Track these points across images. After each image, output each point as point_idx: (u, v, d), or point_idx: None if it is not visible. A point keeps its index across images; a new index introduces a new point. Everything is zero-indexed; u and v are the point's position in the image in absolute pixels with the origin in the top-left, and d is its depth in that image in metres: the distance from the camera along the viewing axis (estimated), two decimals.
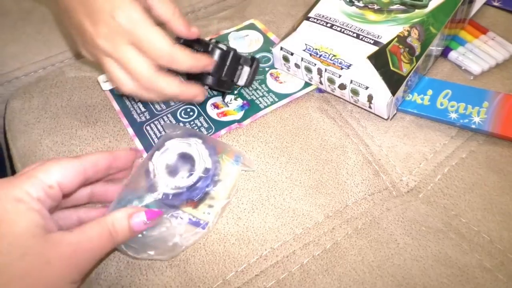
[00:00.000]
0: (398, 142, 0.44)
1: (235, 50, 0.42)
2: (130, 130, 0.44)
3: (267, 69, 0.48)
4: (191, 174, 0.36)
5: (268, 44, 0.51)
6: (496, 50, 0.48)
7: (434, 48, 0.43)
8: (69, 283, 0.28)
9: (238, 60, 0.43)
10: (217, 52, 0.41)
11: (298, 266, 0.36)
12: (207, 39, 0.46)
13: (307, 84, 0.46)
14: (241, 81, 0.44)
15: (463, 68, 0.47)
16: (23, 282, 0.26)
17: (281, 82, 0.46)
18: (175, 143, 0.38)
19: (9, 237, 0.26)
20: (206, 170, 0.37)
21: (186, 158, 0.38)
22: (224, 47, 0.42)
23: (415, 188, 0.42)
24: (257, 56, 0.50)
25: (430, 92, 0.45)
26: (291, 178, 0.41)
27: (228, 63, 0.42)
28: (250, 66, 0.44)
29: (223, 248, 0.37)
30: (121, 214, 0.31)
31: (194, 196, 0.36)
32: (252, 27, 0.53)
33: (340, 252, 0.36)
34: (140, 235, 0.34)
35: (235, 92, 0.46)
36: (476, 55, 0.47)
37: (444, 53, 0.48)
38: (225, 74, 0.42)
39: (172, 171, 0.37)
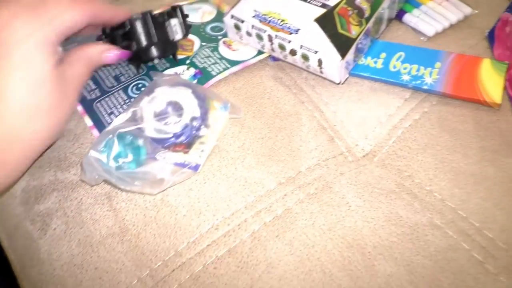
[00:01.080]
0: (353, 107, 0.43)
1: (149, 11, 0.41)
2: (80, 108, 0.43)
3: (219, 37, 0.47)
4: (178, 121, 0.37)
5: (221, 16, 0.50)
6: (450, 11, 0.47)
7: (386, 10, 0.43)
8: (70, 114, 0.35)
9: (158, 18, 0.42)
10: (137, 23, 0.40)
11: (249, 233, 0.35)
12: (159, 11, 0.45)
13: (260, 52, 0.45)
14: (178, 35, 0.43)
15: (417, 30, 0.47)
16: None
17: (233, 50, 0.45)
18: (164, 90, 0.39)
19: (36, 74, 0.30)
20: (193, 118, 0.38)
21: (174, 105, 0.38)
22: (138, 15, 0.41)
23: (370, 152, 0.41)
24: (211, 25, 0.49)
25: (383, 55, 0.44)
26: (243, 147, 0.40)
27: (150, 25, 0.41)
28: (176, 16, 0.43)
29: (175, 220, 0.36)
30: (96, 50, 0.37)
31: (182, 141, 0.37)
32: (205, 1, 0.52)
33: (291, 218, 0.36)
34: (129, 170, 0.35)
35: (187, 62, 0.45)
36: (430, 16, 0.47)
37: (399, 15, 0.48)
38: (156, 37, 0.41)
39: (160, 118, 0.38)
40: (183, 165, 0.37)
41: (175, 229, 0.36)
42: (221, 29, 0.48)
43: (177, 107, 0.38)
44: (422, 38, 0.46)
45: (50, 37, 0.30)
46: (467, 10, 0.48)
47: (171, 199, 0.37)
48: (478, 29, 0.48)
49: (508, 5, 0.45)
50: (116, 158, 0.35)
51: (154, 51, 0.41)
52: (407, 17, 0.47)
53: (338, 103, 0.44)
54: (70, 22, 0.31)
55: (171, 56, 0.45)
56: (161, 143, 0.37)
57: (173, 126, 0.37)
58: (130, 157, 0.35)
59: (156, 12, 0.42)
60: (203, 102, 0.39)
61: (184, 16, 0.43)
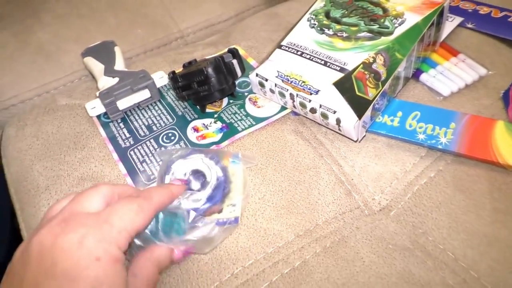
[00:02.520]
0: (370, 162, 0.45)
1: (220, 57, 0.46)
2: (115, 155, 0.47)
3: (246, 94, 0.51)
4: (206, 185, 0.40)
5: (248, 70, 0.53)
6: (465, 72, 0.49)
7: (402, 71, 0.45)
8: None
9: (224, 61, 0.47)
10: (211, 70, 0.45)
11: (267, 283, 0.37)
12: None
13: (283, 108, 0.48)
14: (239, 73, 0.49)
15: (433, 89, 0.49)
16: None
17: (259, 107, 0.48)
18: (180, 164, 0.41)
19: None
20: (218, 178, 0.40)
21: (196, 173, 0.41)
22: (212, 61, 0.46)
23: (386, 206, 0.43)
24: (238, 81, 0.52)
25: (400, 113, 0.46)
26: (264, 199, 0.43)
27: (222, 70, 0.46)
28: (234, 57, 0.48)
29: (197, 267, 0.39)
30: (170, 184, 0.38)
31: (216, 202, 0.40)
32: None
33: (308, 270, 0.38)
34: (179, 236, 0.37)
35: (215, 116, 0.48)
36: (446, 77, 0.49)
37: (416, 75, 0.50)
38: (229, 79, 0.46)
39: (189, 188, 0.40)
40: (223, 223, 0.39)
41: (196, 276, 0.38)
42: (248, 85, 0.51)
43: (199, 174, 0.41)
44: (438, 97, 0.49)
45: (119, 252, 0.29)
46: (482, 71, 0.50)
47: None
48: (493, 89, 0.49)
49: None
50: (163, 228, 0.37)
51: (220, 93, 0.46)
52: (423, 77, 0.50)
53: (356, 158, 0.46)
54: (137, 231, 0.31)
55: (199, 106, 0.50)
56: (198, 211, 0.39)
57: (203, 192, 0.40)
58: (175, 227, 0.37)
59: (218, 54, 0.47)
60: (219, 162, 0.41)
61: (239, 54, 0.48)
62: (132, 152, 0.47)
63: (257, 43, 0.59)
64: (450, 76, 0.49)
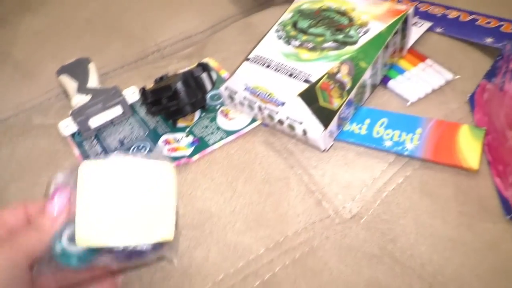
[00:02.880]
0: (340, 171, 0.46)
1: (187, 72, 0.47)
2: None
3: (218, 106, 0.51)
4: None
5: (220, 82, 0.54)
6: (432, 77, 0.50)
7: (368, 79, 0.46)
8: None
9: (194, 75, 0.48)
10: (180, 85, 0.46)
11: None
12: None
13: (254, 120, 0.49)
14: (208, 87, 0.50)
15: (401, 96, 0.50)
16: None
17: (230, 119, 0.49)
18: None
19: None
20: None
21: None
22: (180, 77, 0.47)
23: (357, 214, 0.44)
24: (210, 94, 0.53)
25: (367, 121, 0.47)
26: (234, 212, 0.43)
27: (191, 84, 0.47)
28: (205, 71, 0.49)
29: (167, 284, 0.39)
30: (39, 218, 0.33)
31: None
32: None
33: (276, 283, 0.38)
34: None
35: (187, 130, 0.49)
36: (414, 82, 0.50)
37: (384, 81, 0.51)
38: (199, 94, 0.47)
39: None
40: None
41: None
42: (220, 98, 0.52)
43: None
44: (405, 103, 0.49)
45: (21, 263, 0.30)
46: (449, 76, 0.50)
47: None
48: (460, 93, 0.50)
49: (486, 72, 0.47)
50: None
51: (191, 107, 0.47)
52: (391, 83, 0.50)
53: (326, 166, 0.46)
54: (40, 247, 0.32)
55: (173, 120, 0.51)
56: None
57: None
58: None
59: (185, 70, 0.47)
60: None
61: (209, 68, 0.49)
62: None
63: (230, 54, 0.59)
64: (417, 81, 0.50)
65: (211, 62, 0.57)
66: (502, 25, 0.57)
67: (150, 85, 0.56)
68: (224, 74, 0.55)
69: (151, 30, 0.69)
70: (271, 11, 0.67)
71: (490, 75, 0.45)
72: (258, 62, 0.46)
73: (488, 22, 0.58)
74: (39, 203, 0.35)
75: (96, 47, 0.66)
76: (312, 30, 0.48)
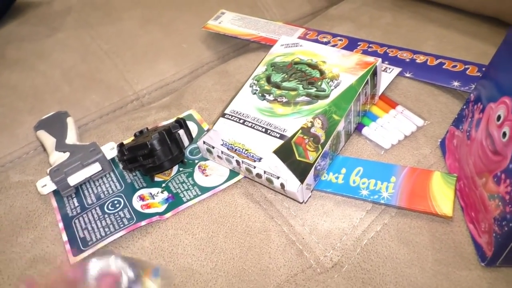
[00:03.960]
0: (319, 220, 0.47)
1: (164, 129, 0.48)
2: (61, 225, 0.47)
3: (196, 161, 0.52)
4: None
5: (201, 135, 0.55)
6: (404, 124, 0.52)
7: (342, 130, 0.47)
8: None
9: (171, 132, 0.49)
10: (156, 143, 0.47)
11: None
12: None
13: (231, 176, 0.49)
14: (186, 143, 0.51)
15: (375, 142, 0.51)
16: None
17: (207, 175, 0.50)
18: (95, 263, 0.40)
19: None
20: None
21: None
22: (156, 135, 0.47)
23: (338, 262, 0.44)
24: (189, 148, 0.54)
25: (344, 170, 0.48)
26: (215, 268, 0.43)
27: (167, 142, 0.48)
28: (181, 127, 0.50)
29: None
30: None
31: None
32: (189, 118, 0.57)
33: None
34: None
35: (163, 185, 0.49)
36: (386, 129, 0.52)
37: (358, 128, 0.53)
38: (175, 150, 0.48)
39: None
40: None
41: None
42: (199, 152, 0.53)
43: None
44: (379, 150, 0.51)
45: None
46: (420, 122, 0.52)
47: None
48: (431, 138, 0.52)
49: (454, 118, 0.49)
50: None
51: (168, 163, 0.48)
52: (365, 131, 0.52)
53: (305, 216, 0.47)
54: None
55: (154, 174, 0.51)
56: None
57: None
58: None
59: (165, 123, 0.48)
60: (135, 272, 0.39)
61: (186, 124, 0.51)
62: (76, 221, 0.47)
63: (208, 104, 0.61)
64: (389, 128, 0.52)
65: (195, 114, 0.58)
66: (467, 69, 0.60)
67: (129, 137, 0.56)
68: (206, 127, 0.56)
69: (129, 79, 0.70)
70: (245, 58, 0.69)
71: (458, 122, 0.47)
72: (233, 118, 0.47)
73: (454, 66, 0.60)
74: None
75: (74, 99, 0.67)
76: (285, 84, 0.49)
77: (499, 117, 0.39)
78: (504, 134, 0.37)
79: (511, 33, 0.39)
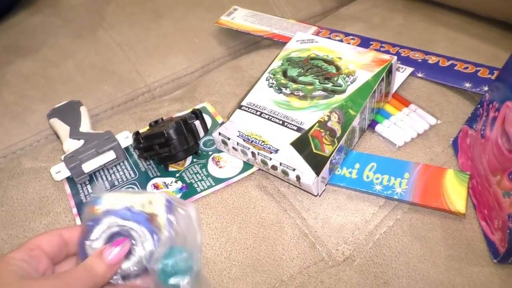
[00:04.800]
0: (332, 214, 0.47)
1: (180, 119, 0.48)
2: (75, 210, 0.47)
3: (210, 153, 0.52)
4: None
5: (215, 128, 0.55)
6: (417, 122, 0.52)
7: (357, 126, 0.48)
8: None
9: (187, 122, 0.49)
10: (172, 132, 0.47)
11: None
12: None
13: (245, 168, 0.50)
14: (201, 134, 0.51)
15: (388, 140, 0.52)
16: None
17: (220, 167, 0.50)
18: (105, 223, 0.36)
19: None
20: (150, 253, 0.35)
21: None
22: (173, 124, 0.47)
23: (350, 256, 0.45)
24: (203, 140, 0.54)
25: (357, 165, 0.49)
26: (229, 258, 0.43)
27: (183, 132, 0.48)
28: (197, 118, 0.50)
29: None
30: (93, 259, 0.34)
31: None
32: (204, 110, 0.58)
33: None
34: None
35: (177, 175, 0.50)
36: (399, 127, 0.52)
37: (372, 125, 0.53)
38: (191, 140, 0.48)
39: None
40: None
41: None
42: (213, 144, 0.53)
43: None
44: (392, 147, 0.51)
45: None
46: (432, 120, 0.53)
47: None
48: (443, 137, 0.53)
49: (467, 117, 0.50)
50: None
51: (183, 153, 0.48)
52: (378, 128, 0.53)
53: (318, 210, 0.48)
54: None
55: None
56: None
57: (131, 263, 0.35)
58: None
59: (180, 114, 0.48)
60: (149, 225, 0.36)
61: (202, 115, 0.50)
62: None
63: (221, 97, 0.61)
64: (402, 126, 0.52)
65: (209, 107, 0.58)
66: (479, 70, 0.60)
67: (142, 127, 0.57)
68: (220, 120, 0.56)
69: (141, 72, 0.70)
70: (258, 55, 0.69)
71: (471, 121, 0.48)
72: (250, 110, 0.48)
73: (466, 68, 0.61)
74: (75, 229, 0.36)
75: (86, 89, 0.67)
76: (301, 78, 0.50)
77: None
78: None
79: None
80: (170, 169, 0.51)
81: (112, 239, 0.35)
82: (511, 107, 0.40)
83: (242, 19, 0.74)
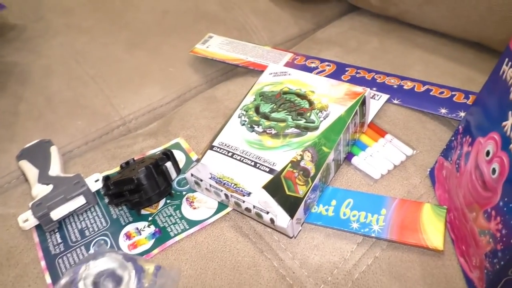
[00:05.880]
0: (310, 253, 0.46)
1: (151, 163, 0.47)
2: (43, 263, 0.45)
3: (184, 193, 0.51)
4: None
5: (189, 165, 0.54)
6: (393, 153, 0.52)
7: (332, 162, 0.47)
8: None
9: (158, 165, 0.47)
10: (143, 177, 0.45)
11: None
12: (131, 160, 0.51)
13: (220, 209, 0.48)
14: (173, 175, 0.49)
15: (364, 172, 0.51)
16: None
17: (195, 208, 0.49)
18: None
19: None
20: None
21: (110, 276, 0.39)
22: (143, 169, 0.46)
23: None
24: (178, 178, 0.53)
25: (334, 202, 0.48)
26: None
27: (154, 175, 0.46)
28: (169, 159, 0.49)
29: None
30: None
31: None
32: (177, 146, 0.56)
33: None
34: None
35: (150, 218, 0.48)
36: (376, 159, 0.51)
37: (348, 158, 0.52)
38: (162, 184, 0.47)
39: None
40: None
41: None
42: (187, 183, 0.52)
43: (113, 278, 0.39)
44: (369, 181, 0.50)
45: None
46: (409, 151, 0.52)
47: None
48: (421, 167, 0.52)
49: (443, 148, 0.49)
50: None
51: (155, 197, 0.46)
52: (355, 160, 0.52)
53: (295, 250, 0.46)
54: None
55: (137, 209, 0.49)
56: None
57: None
58: None
59: (153, 152, 0.47)
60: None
61: (173, 156, 0.49)
62: (60, 260, 0.46)
63: (196, 131, 0.60)
64: (379, 158, 0.51)
65: (182, 143, 0.57)
66: (454, 95, 0.60)
67: (115, 167, 0.55)
68: (194, 156, 0.55)
69: (115, 105, 0.69)
70: (233, 83, 0.68)
71: (447, 152, 0.47)
72: (222, 151, 0.46)
73: (441, 92, 0.61)
74: None
75: (58, 126, 0.65)
76: (274, 115, 0.49)
77: (488, 153, 0.39)
78: (494, 170, 0.37)
79: (498, 68, 0.39)
80: (143, 212, 0.49)
81: None
82: (483, 143, 0.40)
83: (217, 47, 0.73)
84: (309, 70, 0.66)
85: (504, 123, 0.37)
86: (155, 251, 0.45)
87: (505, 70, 0.38)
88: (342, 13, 0.88)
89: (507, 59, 0.38)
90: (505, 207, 0.35)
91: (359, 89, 0.50)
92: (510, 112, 0.37)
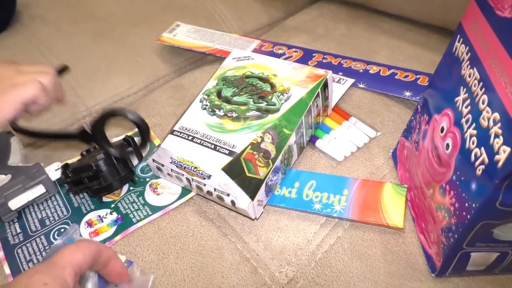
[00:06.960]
0: (273, 236, 0.46)
1: (108, 150, 0.45)
2: (1, 254, 0.44)
3: (147, 179, 0.50)
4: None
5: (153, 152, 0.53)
6: (357, 136, 0.52)
7: (293, 144, 0.47)
8: None
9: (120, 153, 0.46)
10: (102, 163, 0.45)
11: None
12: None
13: (183, 194, 0.48)
14: (135, 162, 0.49)
15: (328, 155, 0.51)
16: None
17: (158, 194, 0.48)
18: None
19: None
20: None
21: None
22: (101, 155, 0.45)
23: (293, 278, 0.44)
24: (140, 166, 0.52)
25: (297, 184, 0.48)
26: None
27: (114, 162, 0.45)
28: (130, 145, 0.48)
29: None
30: None
31: None
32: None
33: None
34: None
35: (112, 206, 0.48)
36: (339, 141, 0.52)
37: (312, 141, 0.52)
38: (122, 170, 0.46)
39: None
40: None
41: None
42: (150, 170, 0.51)
43: None
44: (333, 163, 0.51)
45: (63, 281, 0.31)
46: (372, 133, 0.53)
47: None
48: (384, 149, 0.52)
49: (404, 128, 0.50)
50: None
51: (116, 183, 0.46)
52: (318, 143, 0.52)
53: (259, 232, 0.46)
54: (79, 265, 0.32)
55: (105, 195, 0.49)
56: None
57: None
58: None
59: (115, 140, 0.46)
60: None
61: (136, 144, 0.48)
62: (19, 250, 0.45)
63: (161, 119, 0.59)
64: (342, 140, 0.52)
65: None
66: (419, 78, 0.61)
67: (77, 157, 0.54)
68: (158, 143, 0.54)
69: (81, 95, 0.68)
70: (201, 71, 0.68)
71: (407, 132, 0.48)
72: (182, 135, 0.46)
73: (406, 76, 0.61)
74: None
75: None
76: (236, 98, 0.48)
77: (442, 129, 0.39)
78: (448, 145, 0.38)
79: (451, 46, 0.40)
80: (105, 199, 0.48)
81: None
82: (439, 120, 0.40)
83: (184, 35, 0.72)
84: (277, 56, 0.66)
85: (456, 99, 0.38)
86: (117, 237, 0.45)
87: (457, 47, 0.39)
88: (312, 1, 0.88)
89: (458, 36, 0.39)
90: (457, 180, 0.36)
91: (320, 71, 0.50)
92: (461, 88, 0.37)
